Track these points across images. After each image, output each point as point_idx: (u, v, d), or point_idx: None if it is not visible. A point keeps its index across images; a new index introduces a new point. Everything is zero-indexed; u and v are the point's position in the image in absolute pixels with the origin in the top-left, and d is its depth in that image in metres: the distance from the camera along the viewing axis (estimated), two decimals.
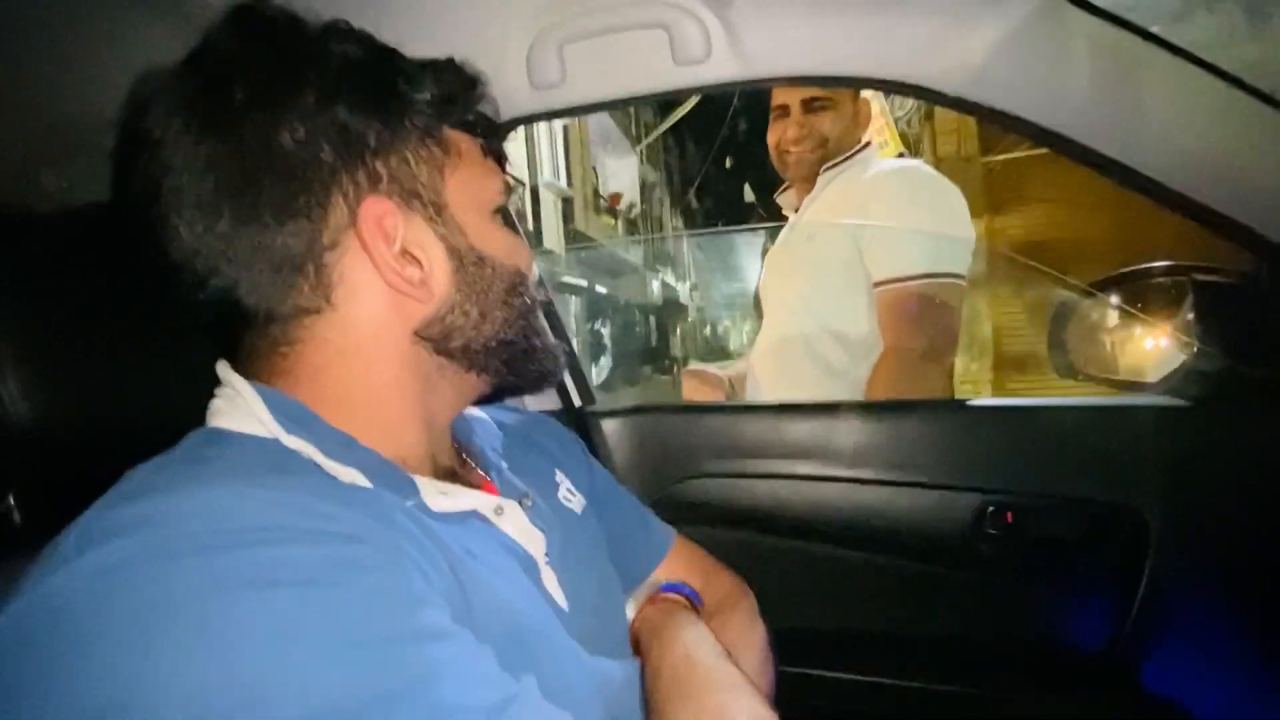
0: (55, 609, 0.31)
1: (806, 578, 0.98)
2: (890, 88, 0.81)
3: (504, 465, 0.55)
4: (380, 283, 0.45)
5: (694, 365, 1.53)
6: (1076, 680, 0.87)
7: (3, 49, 0.67)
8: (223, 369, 0.46)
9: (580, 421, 1.10)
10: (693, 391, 1.43)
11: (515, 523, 0.49)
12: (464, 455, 0.56)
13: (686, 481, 1.02)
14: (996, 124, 0.79)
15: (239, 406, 0.43)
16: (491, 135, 0.54)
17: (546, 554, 0.50)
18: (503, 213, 0.53)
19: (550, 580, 0.50)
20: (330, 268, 0.44)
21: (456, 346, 0.49)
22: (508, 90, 0.83)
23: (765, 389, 1.32)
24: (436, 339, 0.48)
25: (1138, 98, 0.71)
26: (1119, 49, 0.68)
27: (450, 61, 0.52)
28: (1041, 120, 0.74)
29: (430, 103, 0.48)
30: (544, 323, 0.55)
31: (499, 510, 0.49)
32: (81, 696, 0.29)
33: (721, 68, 0.79)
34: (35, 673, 0.29)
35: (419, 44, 0.85)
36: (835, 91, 1.30)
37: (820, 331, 1.25)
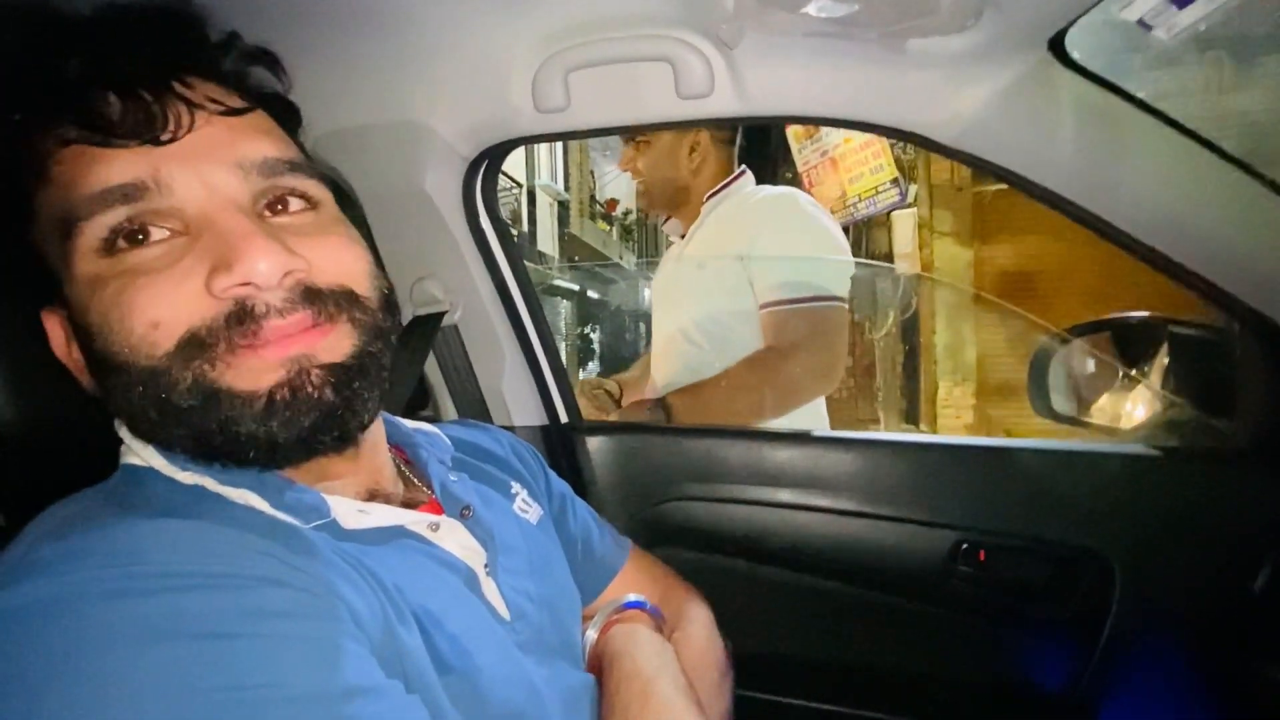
0: None
1: (782, 604, 0.99)
2: (886, 133, 0.82)
3: (450, 479, 0.55)
4: None
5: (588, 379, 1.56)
6: (1037, 719, 0.88)
7: None
8: (117, 424, 0.46)
9: (565, 437, 1.10)
10: (585, 408, 1.41)
11: (453, 537, 0.49)
12: (409, 473, 0.55)
13: (668, 503, 1.03)
14: (987, 173, 0.81)
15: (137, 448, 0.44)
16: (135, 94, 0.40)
17: (486, 565, 0.50)
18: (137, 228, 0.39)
19: (491, 590, 0.50)
20: None
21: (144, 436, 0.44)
22: (512, 111, 0.84)
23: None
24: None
25: (1121, 158, 0.73)
26: (1106, 111, 0.71)
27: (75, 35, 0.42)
28: (1029, 174, 0.76)
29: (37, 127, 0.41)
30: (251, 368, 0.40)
31: (434, 526, 0.48)
32: None
33: (724, 103, 0.80)
34: None
35: (425, 65, 0.85)
36: (656, 135, 1.35)
37: (716, 357, 1.28)
